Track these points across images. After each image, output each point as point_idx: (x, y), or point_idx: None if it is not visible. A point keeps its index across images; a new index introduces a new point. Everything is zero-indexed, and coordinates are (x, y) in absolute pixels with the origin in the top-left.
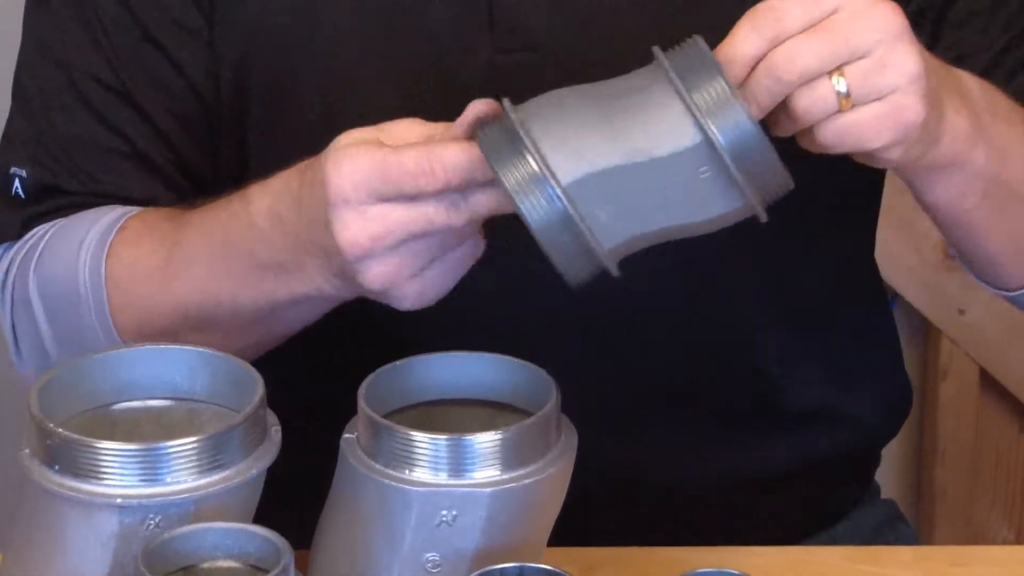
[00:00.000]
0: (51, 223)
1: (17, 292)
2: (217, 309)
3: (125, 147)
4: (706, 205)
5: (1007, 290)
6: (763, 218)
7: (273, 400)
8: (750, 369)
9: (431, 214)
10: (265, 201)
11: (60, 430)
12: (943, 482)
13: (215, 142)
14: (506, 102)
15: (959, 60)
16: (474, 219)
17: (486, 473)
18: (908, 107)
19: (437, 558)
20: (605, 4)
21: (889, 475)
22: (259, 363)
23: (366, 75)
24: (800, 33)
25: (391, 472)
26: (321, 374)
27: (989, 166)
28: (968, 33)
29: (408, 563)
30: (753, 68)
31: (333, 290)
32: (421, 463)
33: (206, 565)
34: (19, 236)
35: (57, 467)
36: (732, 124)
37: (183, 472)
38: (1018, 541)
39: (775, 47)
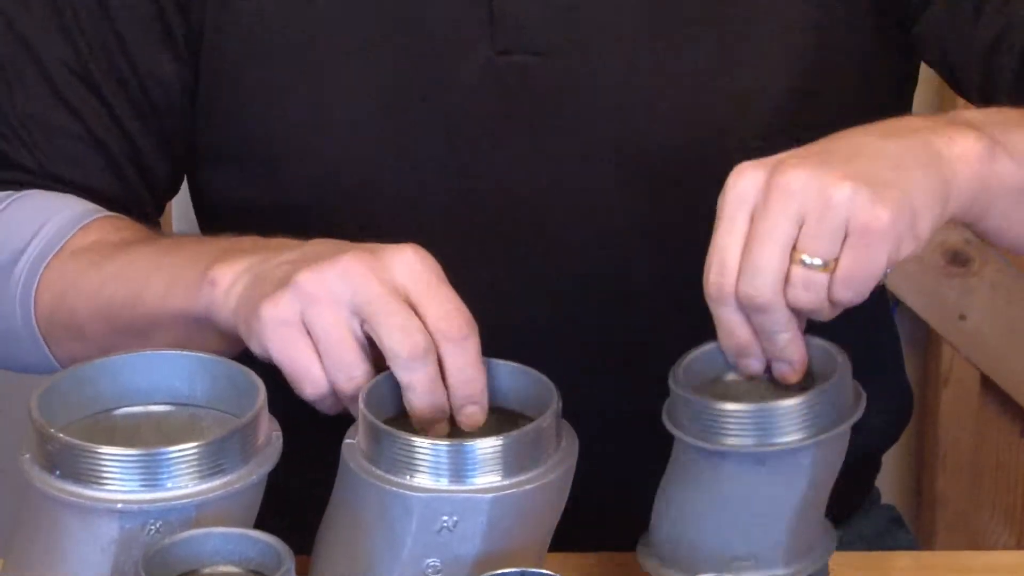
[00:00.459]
0: (3, 194)
1: None
2: (124, 304)
3: (83, 132)
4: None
5: None
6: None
7: (275, 405)
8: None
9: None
10: (229, 240)
11: (61, 435)
12: (943, 488)
13: (177, 143)
14: None
15: (1005, 32)
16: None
17: (487, 479)
18: (869, 222)
19: (438, 563)
20: (605, 9)
21: (889, 481)
22: (261, 369)
23: (361, 74)
24: (744, 260)
25: (392, 478)
26: None
27: (1021, 173)
28: (1002, 6)
29: (409, 568)
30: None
31: (226, 314)
32: (422, 469)
33: (207, 570)
34: None
35: (58, 472)
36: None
37: (184, 477)
38: (1019, 547)
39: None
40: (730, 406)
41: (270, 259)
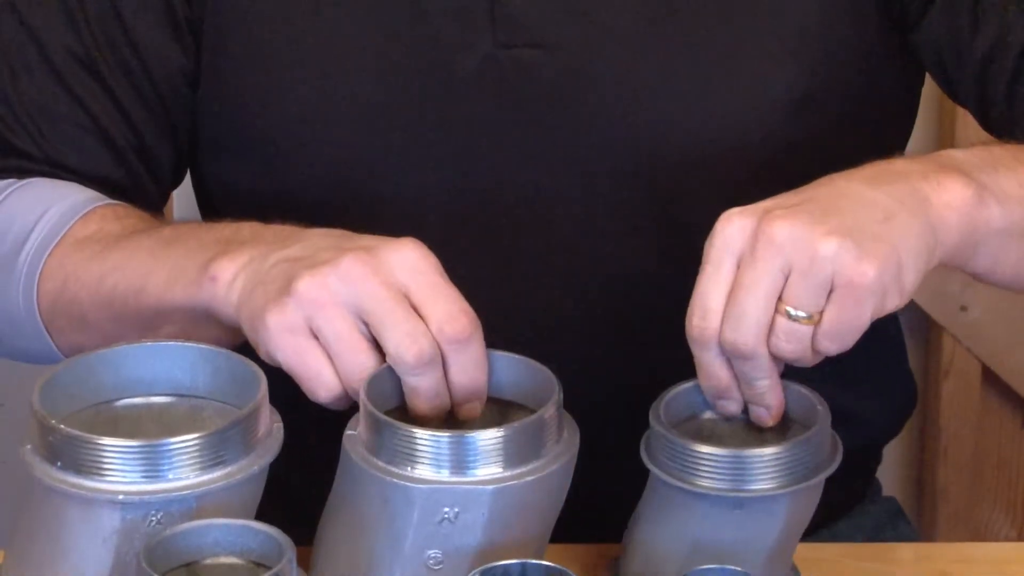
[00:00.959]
0: (5, 183)
1: None
2: (127, 294)
3: (86, 120)
4: None
5: None
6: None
7: (276, 396)
8: None
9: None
10: (232, 227)
11: (62, 427)
12: (945, 480)
13: (181, 133)
14: None
15: (1001, 42)
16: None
17: (488, 470)
18: (854, 279)
19: (439, 555)
20: (607, 2)
21: (891, 473)
22: (262, 360)
23: (363, 67)
24: (729, 307)
25: (393, 469)
26: None
27: (1011, 216)
28: (1000, 16)
29: (410, 560)
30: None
31: (229, 310)
32: (423, 460)
33: (208, 561)
34: None
35: (59, 463)
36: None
37: (185, 468)
38: (1020, 538)
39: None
40: (709, 449)
41: (270, 254)
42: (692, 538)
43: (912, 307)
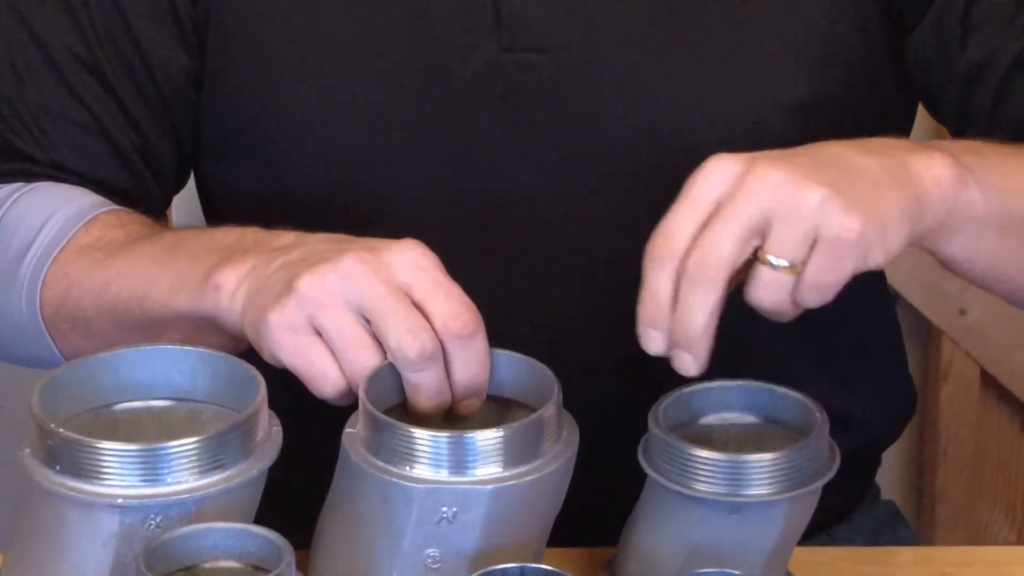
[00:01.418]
0: (12, 187)
1: None
2: (130, 302)
3: (90, 122)
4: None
5: None
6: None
7: (276, 400)
8: (752, 369)
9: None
10: (235, 233)
11: (61, 430)
12: (944, 483)
13: (184, 135)
14: None
15: (988, 62)
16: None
17: (487, 470)
18: (840, 234)
19: (437, 554)
20: (610, 6)
21: (890, 476)
22: (262, 364)
23: (364, 69)
24: (701, 234)
25: (392, 468)
26: None
27: (990, 204)
28: (990, 33)
29: (409, 559)
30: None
31: (233, 318)
32: (422, 460)
33: (207, 565)
34: None
35: (58, 467)
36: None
37: (184, 472)
38: (1019, 542)
39: (683, 264)
40: (708, 453)
41: (272, 260)
42: (689, 542)
43: (911, 310)
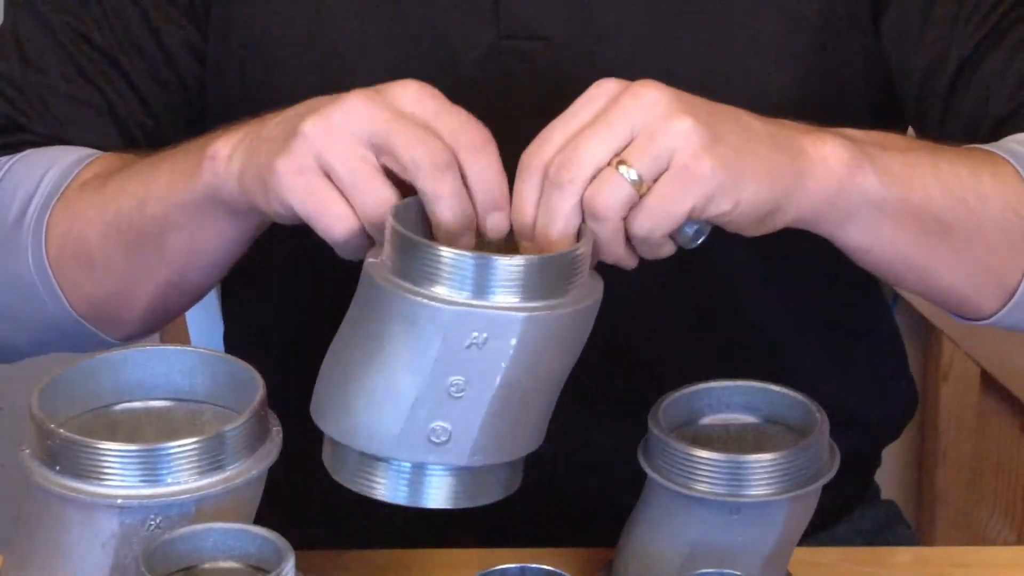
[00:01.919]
0: (7, 156)
1: None
2: (131, 212)
3: (101, 102)
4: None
5: (979, 319)
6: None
7: (275, 400)
8: (753, 366)
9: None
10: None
11: (61, 431)
12: (944, 483)
13: (194, 118)
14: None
15: (942, 55)
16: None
17: (521, 299)
18: (690, 163)
19: (462, 381)
20: None
21: (889, 476)
22: (261, 364)
23: (364, 56)
24: (566, 143)
25: (421, 290)
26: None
27: (888, 191)
28: (944, 36)
29: (432, 385)
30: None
31: (231, 184)
32: (454, 281)
33: (207, 566)
34: None
35: (58, 468)
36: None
37: (184, 473)
38: (1019, 542)
39: (547, 167)
40: (708, 454)
41: (268, 121)
42: (689, 542)
43: (911, 310)
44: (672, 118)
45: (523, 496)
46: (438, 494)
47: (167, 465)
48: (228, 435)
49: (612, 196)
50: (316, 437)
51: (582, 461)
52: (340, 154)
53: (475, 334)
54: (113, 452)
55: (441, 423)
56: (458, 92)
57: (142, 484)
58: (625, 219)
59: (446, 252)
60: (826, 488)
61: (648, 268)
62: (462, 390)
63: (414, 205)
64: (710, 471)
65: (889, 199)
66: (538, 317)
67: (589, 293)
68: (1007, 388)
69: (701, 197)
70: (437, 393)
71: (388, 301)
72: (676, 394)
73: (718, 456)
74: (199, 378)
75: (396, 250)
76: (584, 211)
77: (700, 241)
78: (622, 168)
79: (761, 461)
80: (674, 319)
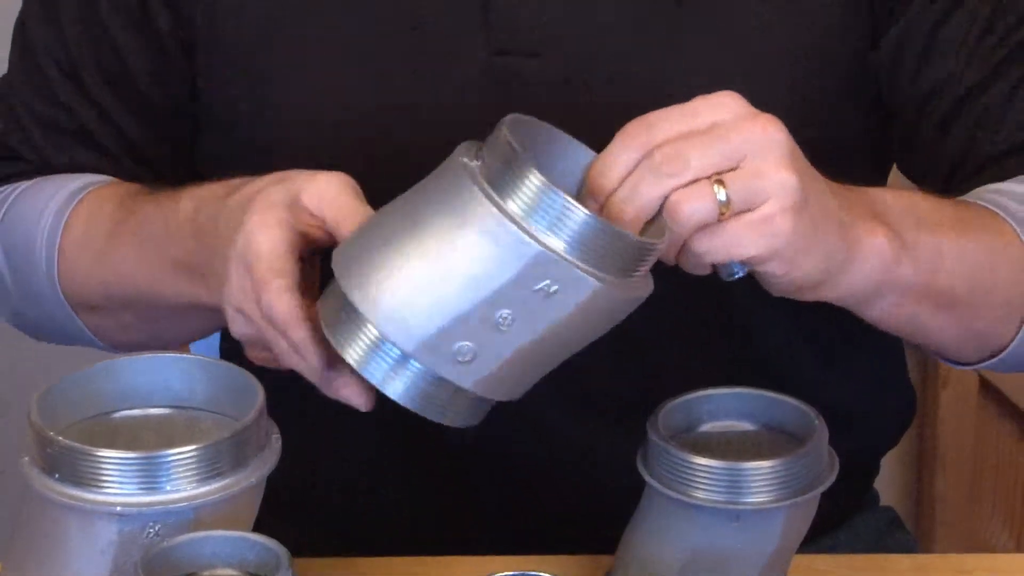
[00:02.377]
0: (13, 186)
1: None
2: (137, 295)
3: (75, 127)
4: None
5: (965, 365)
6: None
7: (276, 405)
8: (752, 369)
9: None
10: (190, 205)
11: (60, 438)
12: (943, 490)
13: (178, 137)
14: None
15: (943, 84)
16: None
17: (596, 267)
18: (776, 216)
19: (510, 317)
20: (601, 11)
21: (889, 483)
22: (260, 370)
23: (356, 75)
24: (678, 138)
25: (522, 224)
26: None
27: (918, 277)
28: (948, 64)
29: (483, 307)
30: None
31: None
32: (561, 229)
33: (206, 573)
34: None
35: (57, 475)
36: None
37: (182, 480)
38: (1018, 549)
39: (651, 150)
40: (707, 461)
41: (219, 226)
42: (688, 549)
43: None
44: (782, 167)
45: (524, 502)
46: (403, 390)
47: (166, 473)
48: (227, 443)
49: (697, 208)
50: (315, 442)
51: (582, 467)
52: (254, 310)
53: (548, 282)
54: (112, 459)
55: (470, 344)
56: (450, 109)
57: (141, 492)
58: None
59: (561, 199)
60: (825, 495)
61: (653, 276)
62: (508, 325)
63: (527, 121)
64: (709, 478)
65: (917, 285)
66: (606, 291)
67: (644, 286)
68: (1006, 395)
69: (767, 250)
70: (485, 317)
71: (478, 210)
72: (675, 401)
73: (717, 463)
74: (198, 385)
75: (502, 168)
76: (663, 207)
77: (736, 278)
78: (717, 186)
79: (760, 468)
80: (677, 326)
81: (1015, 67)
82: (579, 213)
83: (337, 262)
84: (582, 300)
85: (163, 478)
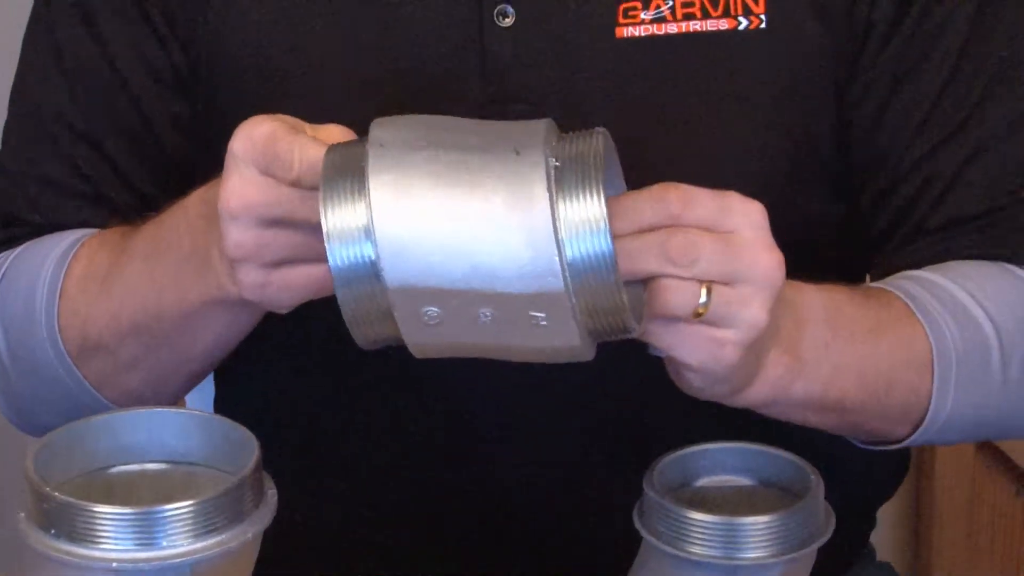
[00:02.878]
0: (11, 250)
1: None
2: (144, 312)
3: (89, 191)
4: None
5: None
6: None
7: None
8: (745, 423)
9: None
10: (198, 191)
11: (56, 494)
12: (939, 544)
13: (183, 184)
14: (373, 128)
15: (876, 162)
16: None
17: (586, 327)
18: (729, 346)
19: (490, 318)
20: (598, 59)
21: (885, 537)
22: (256, 425)
23: (353, 119)
24: (698, 229)
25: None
26: (325, 421)
27: (810, 395)
28: (897, 134)
29: (472, 301)
30: (639, 233)
31: (231, 286)
32: (587, 276)
33: None
34: None
35: (53, 531)
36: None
37: (178, 536)
38: None
39: (672, 227)
40: (703, 516)
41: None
42: None
43: None
44: (764, 307)
45: (528, 538)
46: (351, 297)
47: (162, 528)
48: (223, 498)
49: (679, 304)
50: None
51: (583, 512)
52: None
53: (544, 315)
54: (108, 515)
55: (441, 315)
56: None
57: (137, 547)
58: None
59: (611, 266)
60: (821, 549)
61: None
62: (483, 323)
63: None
64: (705, 533)
65: (808, 399)
66: (579, 347)
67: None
68: (1002, 450)
69: (700, 366)
70: (471, 306)
71: (536, 220)
72: (671, 456)
73: (713, 518)
74: (194, 440)
75: (577, 190)
76: (648, 288)
77: (654, 354)
78: (704, 291)
79: (756, 523)
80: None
81: (971, 131)
82: (614, 285)
83: (375, 130)
84: (555, 343)
85: (159, 534)
